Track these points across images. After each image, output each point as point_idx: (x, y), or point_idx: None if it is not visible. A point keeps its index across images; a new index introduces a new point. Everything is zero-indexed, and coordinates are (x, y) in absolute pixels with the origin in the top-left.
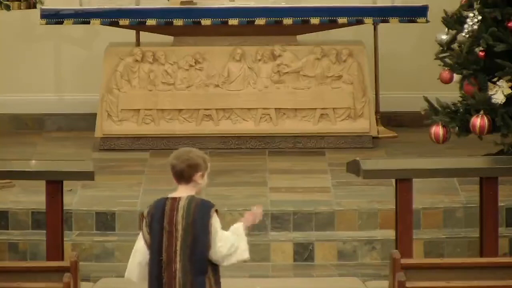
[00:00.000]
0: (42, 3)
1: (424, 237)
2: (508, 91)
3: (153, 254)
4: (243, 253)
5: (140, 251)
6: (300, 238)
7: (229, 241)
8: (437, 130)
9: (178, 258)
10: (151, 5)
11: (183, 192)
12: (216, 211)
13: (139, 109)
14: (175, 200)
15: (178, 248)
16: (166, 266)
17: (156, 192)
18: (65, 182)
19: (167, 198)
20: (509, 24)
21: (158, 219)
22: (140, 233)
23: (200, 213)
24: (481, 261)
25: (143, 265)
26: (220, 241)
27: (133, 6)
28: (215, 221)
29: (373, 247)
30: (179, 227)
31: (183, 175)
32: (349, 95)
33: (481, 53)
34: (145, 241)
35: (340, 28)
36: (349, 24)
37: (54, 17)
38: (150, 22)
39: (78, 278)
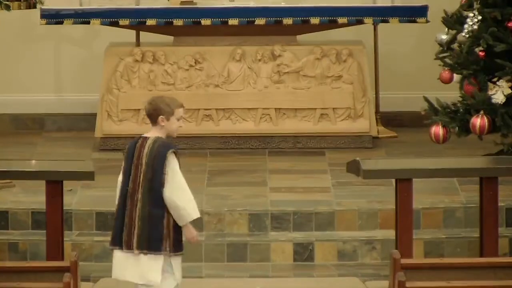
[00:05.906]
0: (42, 3)
1: (424, 237)
2: (508, 91)
3: (123, 184)
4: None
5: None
6: (300, 238)
7: (186, 195)
8: (437, 130)
9: (140, 190)
10: (151, 5)
11: (153, 133)
12: (175, 153)
13: (139, 109)
14: (145, 139)
15: (141, 180)
16: (130, 196)
17: None
18: (65, 182)
19: (140, 137)
20: (509, 24)
21: (131, 154)
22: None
23: (161, 153)
24: (481, 261)
25: None
26: (178, 190)
27: (133, 6)
28: (173, 163)
29: (373, 247)
30: (143, 162)
31: (151, 117)
32: (349, 95)
33: (481, 53)
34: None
35: (340, 28)
36: (349, 24)
37: (54, 17)
38: (150, 22)
39: (78, 278)
